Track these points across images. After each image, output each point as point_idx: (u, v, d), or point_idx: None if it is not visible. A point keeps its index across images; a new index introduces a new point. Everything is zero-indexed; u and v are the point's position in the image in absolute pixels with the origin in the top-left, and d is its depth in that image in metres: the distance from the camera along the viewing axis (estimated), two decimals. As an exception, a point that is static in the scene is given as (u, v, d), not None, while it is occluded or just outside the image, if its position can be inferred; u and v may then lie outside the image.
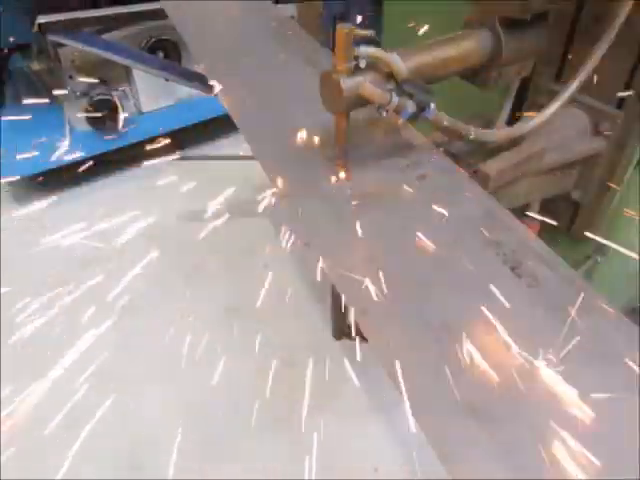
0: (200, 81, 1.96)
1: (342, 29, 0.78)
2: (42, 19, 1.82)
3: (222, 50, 1.45)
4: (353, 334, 1.27)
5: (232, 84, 1.28)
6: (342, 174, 0.96)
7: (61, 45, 2.23)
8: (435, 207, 0.87)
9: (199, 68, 1.47)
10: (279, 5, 2.18)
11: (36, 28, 1.80)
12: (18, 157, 2.43)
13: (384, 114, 0.88)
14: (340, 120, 0.89)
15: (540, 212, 1.47)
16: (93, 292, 2.17)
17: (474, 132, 1.01)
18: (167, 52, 2.55)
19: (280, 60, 1.38)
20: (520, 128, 1.12)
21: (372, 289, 0.75)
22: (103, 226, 2.48)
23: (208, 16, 1.64)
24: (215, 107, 2.80)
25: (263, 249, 2.36)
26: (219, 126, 3.02)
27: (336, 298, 1.30)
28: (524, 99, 1.50)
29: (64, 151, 2.54)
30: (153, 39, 2.48)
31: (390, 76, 0.86)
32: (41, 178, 2.60)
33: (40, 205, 2.62)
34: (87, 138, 2.58)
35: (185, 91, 2.68)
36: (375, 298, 0.74)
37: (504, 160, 1.13)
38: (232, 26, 1.60)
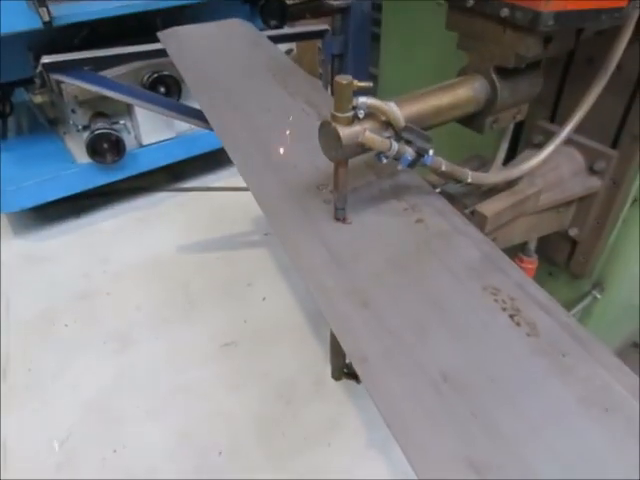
0: (199, 118, 1.99)
1: (341, 81, 0.80)
2: (46, 59, 1.86)
3: (221, 88, 1.47)
4: (354, 374, 1.26)
5: (229, 121, 1.30)
6: (340, 221, 0.98)
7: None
8: (433, 251, 0.87)
9: (198, 105, 1.50)
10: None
11: (40, 68, 1.84)
12: (19, 190, 2.44)
13: (384, 161, 0.90)
14: (339, 168, 0.91)
15: (537, 249, 1.48)
16: (90, 324, 2.16)
17: (471, 176, 1.03)
18: (168, 87, 2.59)
19: (278, 99, 1.39)
20: (516, 170, 1.14)
21: (369, 335, 0.75)
22: (101, 258, 2.49)
23: (207, 55, 1.67)
24: (214, 140, 2.83)
25: (261, 282, 2.36)
26: (218, 157, 3.05)
27: (335, 339, 1.30)
28: (519, 137, 1.53)
29: (65, 183, 2.56)
30: (155, 75, 2.52)
31: (388, 124, 0.88)
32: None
33: (39, 237, 2.64)
34: (88, 170, 2.59)
35: (185, 125, 2.71)
36: (373, 345, 0.73)
37: (501, 201, 1.15)
38: (231, 64, 1.62)
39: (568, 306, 1.54)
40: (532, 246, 1.47)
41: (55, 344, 2.08)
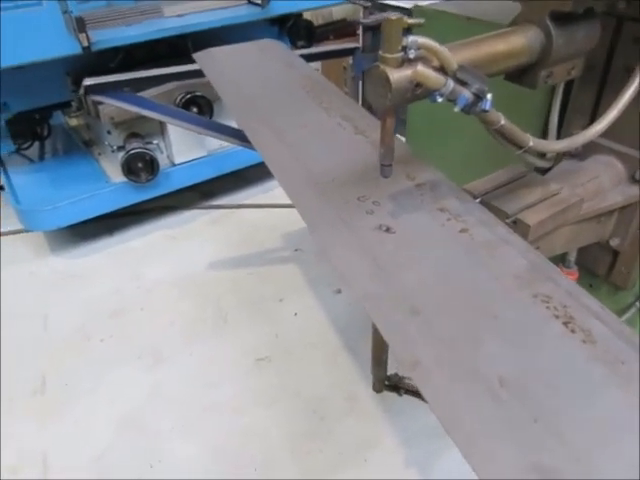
0: (232, 135, 2.04)
1: (391, 17, 0.75)
2: (88, 81, 1.93)
3: (258, 106, 1.49)
4: (395, 386, 1.25)
5: (268, 138, 1.32)
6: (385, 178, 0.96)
7: (100, 102, 2.34)
8: (479, 261, 0.87)
9: (232, 122, 1.54)
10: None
11: (82, 90, 1.91)
12: (56, 209, 2.51)
13: (438, 100, 0.82)
14: (387, 117, 0.86)
15: (578, 260, 1.46)
16: (125, 340, 2.19)
17: (532, 140, 0.98)
18: (200, 108, 2.65)
19: (314, 114, 1.41)
20: (580, 137, 1.09)
21: (421, 341, 0.73)
22: (134, 274, 2.53)
23: (243, 74, 1.70)
24: (244, 158, 2.89)
25: (292, 298, 2.37)
26: (248, 175, 3.09)
27: (377, 349, 1.28)
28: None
29: (100, 202, 2.63)
30: (188, 95, 2.58)
31: (440, 69, 0.82)
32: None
33: (75, 254, 2.70)
34: (122, 189, 2.66)
35: (216, 143, 2.77)
36: (425, 350, 0.72)
37: (543, 211, 1.13)
38: (266, 83, 1.65)
39: (610, 319, 1.50)
40: (572, 257, 1.44)
41: (91, 359, 2.12)
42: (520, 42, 0.97)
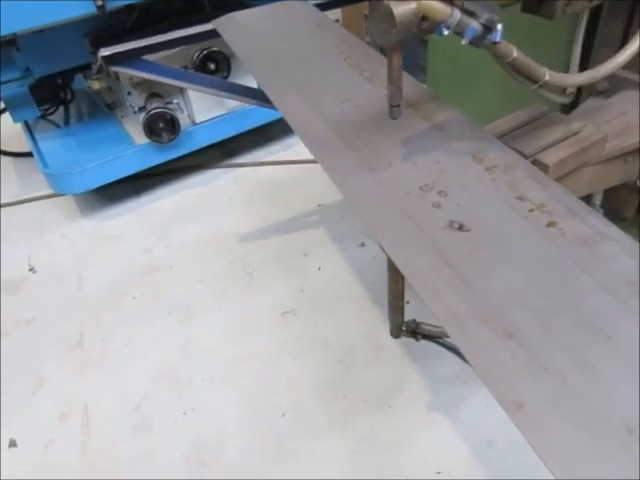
0: (252, 96, 2.01)
1: None
2: (105, 51, 1.92)
3: (291, 78, 1.35)
4: (413, 332, 1.26)
5: (307, 116, 1.18)
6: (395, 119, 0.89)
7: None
8: (578, 263, 0.74)
9: (251, 80, 1.47)
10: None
11: (100, 61, 1.90)
12: (84, 172, 2.57)
13: (445, 33, 0.79)
14: (394, 54, 0.84)
15: (603, 203, 1.42)
16: (156, 297, 2.27)
17: (548, 74, 0.93)
18: (218, 64, 2.62)
19: (356, 86, 1.25)
20: (602, 69, 1.03)
21: (522, 373, 0.61)
22: (162, 234, 2.59)
23: (270, 41, 1.56)
24: (264, 115, 2.86)
25: (317, 252, 2.38)
26: (268, 132, 3.08)
27: (393, 295, 1.29)
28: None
29: (126, 164, 2.67)
30: (205, 51, 2.56)
31: (447, 1, 0.78)
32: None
33: (104, 216, 2.77)
34: (146, 150, 2.69)
35: (235, 101, 2.75)
36: (528, 386, 0.59)
37: (563, 149, 1.10)
38: (298, 49, 1.50)
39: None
40: (598, 200, 1.40)
41: (125, 316, 2.20)
42: None
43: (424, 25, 0.79)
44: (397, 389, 1.80)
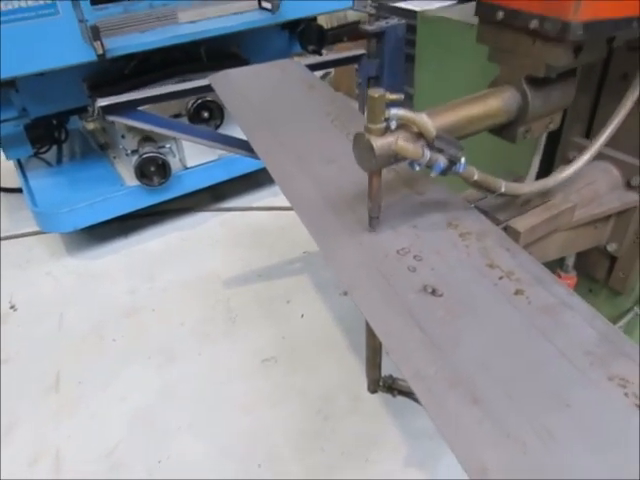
0: (241, 147, 2.09)
1: (373, 94, 0.82)
2: (103, 102, 1.99)
3: (279, 136, 1.39)
4: (389, 387, 1.28)
5: (293, 175, 1.23)
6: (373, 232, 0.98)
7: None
8: (542, 331, 0.78)
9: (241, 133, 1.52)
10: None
11: (97, 111, 1.98)
12: (73, 211, 2.59)
13: (417, 168, 0.91)
14: (374, 178, 0.93)
15: (577, 265, 1.47)
16: (136, 339, 2.26)
17: (504, 186, 1.03)
18: (211, 112, 2.71)
19: (341, 147, 1.29)
20: (550, 181, 1.14)
21: (486, 440, 0.64)
22: (147, 275, 2.60)
23: (261, 99, 1.61)
24: (254, 162, 2.90)
25: (300, 299, 2.41)
26: (258, 178, 3.15)
27: (371, 351, 1.32)
28: (555, 154, 1.53)
29: (115, 205, 2.70)
30: (199, 100, 2.65)
31: (420, 135, 0.90)
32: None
33: (90, 255, 2.78)
34: (136, 192, 2.73)
35: (227, 147, 2.83)
36: (492, 452, 0.63)
37: (534, 216, 1.16)
38: (287, 109, 1.56)
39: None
40: (570, 262, 1.46)
41: (104, 358, 2.18)
42: (497, 104, 1.04)
43: (400, 158, 0.90)
44: (375, 442, 1.79)
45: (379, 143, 0.86)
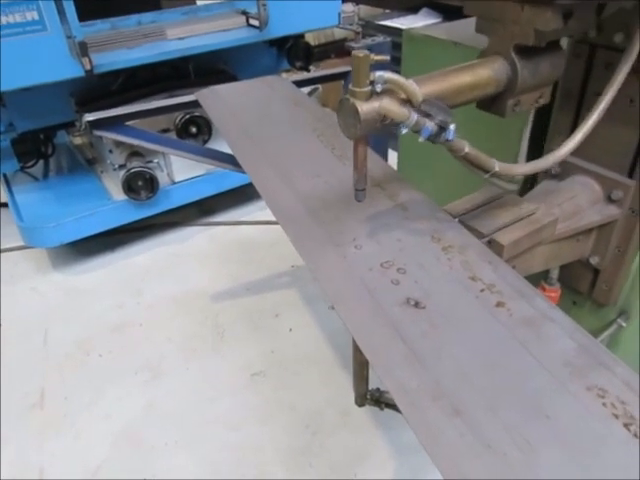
0: (229, 162, 2.10)
1: (358, 54, 0.79)
2: (90, 117, 2.00)
3: (265, 152, 1.41)
4: (377, 400, 1.29)
5: (279, 190, 1.24)
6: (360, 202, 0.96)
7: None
8: (522, 344, 0.79)
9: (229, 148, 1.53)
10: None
11: (84, 126, 1.98)
12: (59, 226, 2.58)
13: (403, 131, 0.86)
14: (359, 146, 0.90)
15: (560, 278, 1.49)
16: (123, 355, 2.23)
17: (498, 165, 1.01)
18: (199, 127, 2.73)
19: (327, 163, 1.32)
20: (543, 162, 1.12)
21: (467, 451, 0.65)
22: (135, 290, 2.59)
23: (248, 115, 1.63)
24: (242, 177, 2.92)
25: (288, 314, 2.41)
26: (246, 193, 3.15)
27: (358, 365, 1.32)
28: (535, 177, 1.55)
29: (102, 219, 2.69)
30: (187, 116, 2.66)
31: (406, 101, 0.86)
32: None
33: (77, 270, 2.76)
34: (123, 207, 2.72)
35: (214, 163, 2.84)
36: (473, 464, 0.64)
37: (517, 230, 1.17)
38: (274, 125, 1.57)
39: (594, 335, 1.53)
40: (554, 275, 1.48)
41: (90, 374, 2.16)
42: (486, 74, 1.02)
43: (386, 121, 0.86)
44: (363, 456, 1.79)
45: (364, 107, 0.82)
